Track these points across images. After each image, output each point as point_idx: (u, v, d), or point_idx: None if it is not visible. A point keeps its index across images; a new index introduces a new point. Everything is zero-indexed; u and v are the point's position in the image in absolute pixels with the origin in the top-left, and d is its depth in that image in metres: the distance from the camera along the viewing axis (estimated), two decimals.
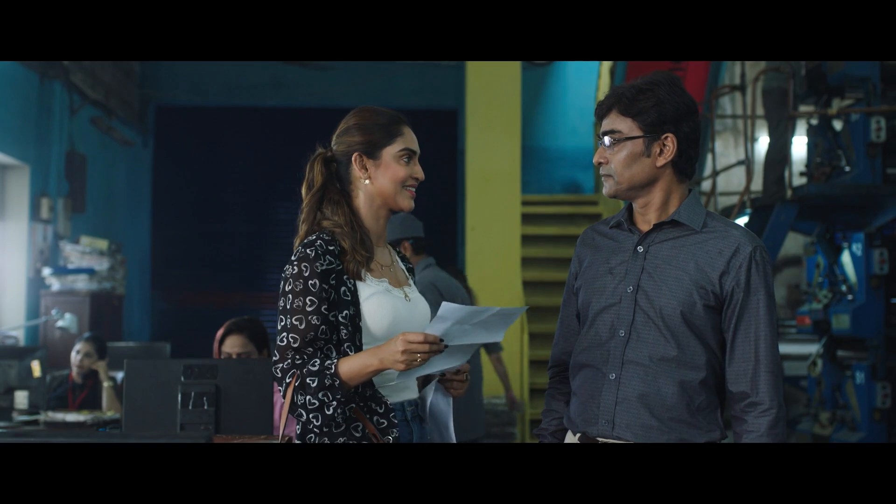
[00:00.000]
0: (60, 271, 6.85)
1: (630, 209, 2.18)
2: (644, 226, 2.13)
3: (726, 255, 2.03)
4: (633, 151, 2.07)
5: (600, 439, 2.07)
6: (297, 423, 2.09)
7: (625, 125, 2.08)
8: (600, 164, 2.13)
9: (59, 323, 5.52)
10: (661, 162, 2.07)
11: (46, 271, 6.81)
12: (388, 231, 4.48)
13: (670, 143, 2.07)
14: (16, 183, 6.78)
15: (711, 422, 2.05)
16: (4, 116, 6.39)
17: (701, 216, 2.10)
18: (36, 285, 6.81)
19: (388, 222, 2.26)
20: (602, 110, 2.12)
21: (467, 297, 4.63)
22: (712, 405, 2.06)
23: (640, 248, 2.10)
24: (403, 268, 2.30)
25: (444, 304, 1.96)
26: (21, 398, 4.69)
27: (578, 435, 2.13)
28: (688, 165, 2.11)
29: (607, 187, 2.13)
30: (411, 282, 2.27)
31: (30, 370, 4.36)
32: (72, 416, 4.17)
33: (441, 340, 1.97)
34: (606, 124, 2.11)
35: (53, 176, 7.10)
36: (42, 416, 4.20)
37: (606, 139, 2.10)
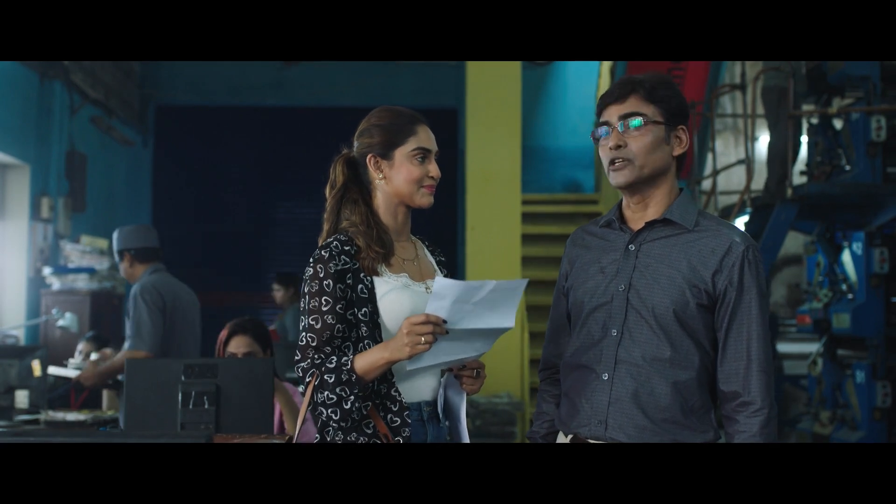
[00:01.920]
0: (61, 270, 6.85)
1: (620, 208, 2.15)
2: (635, 224, 2.11)
3: (719, 253, 2.01)
4: (657, 136, 2.05)
5: (592, 441, 2.05)
6: (317, 421, 2.12)
7: (649, 110, 2.05)
8: (618, 146, 2.05)
9: (60, 322, 5.52)
10: (676, 152, 2.09)
11: (47, 271, 6.81)
12: (115, 240, 4.50)
13: (684, 136, 2.09)
14: (16, 182, 6.78)
15: (705, 423, 2.03)
16: (4, 116, 6.39)
17: (693, 215, 2.07)
18: (36, 285, 6.81)
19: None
20: (614, 96, 2.07)
21: (196, 300, 4.68)
22: (706, 406, 2.04)
23: (632, 247, 2.08)
24: (433, 260, 2.29)
25: (436, 279, 1.95)
26: (21, 397, 4.69)
27: (570, 437, 2.11)
28: (685, 161, 2.14)
29: (625, 174, 2.05)
30: (439, 274, 2.26)
31: (30, 369, 4.36)
32: (72, 416, 4.17)
33: (445, 322, 1.96)
34: (625, 108, 2.05)
35: (53, 175, 7.09)
36: (42, 416, 4.20)
37: (621, 123, 2.04)
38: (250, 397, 2.74)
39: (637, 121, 2.04)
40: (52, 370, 4.43)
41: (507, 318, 2.00)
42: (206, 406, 2.71)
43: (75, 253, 7.09)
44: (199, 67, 9.61)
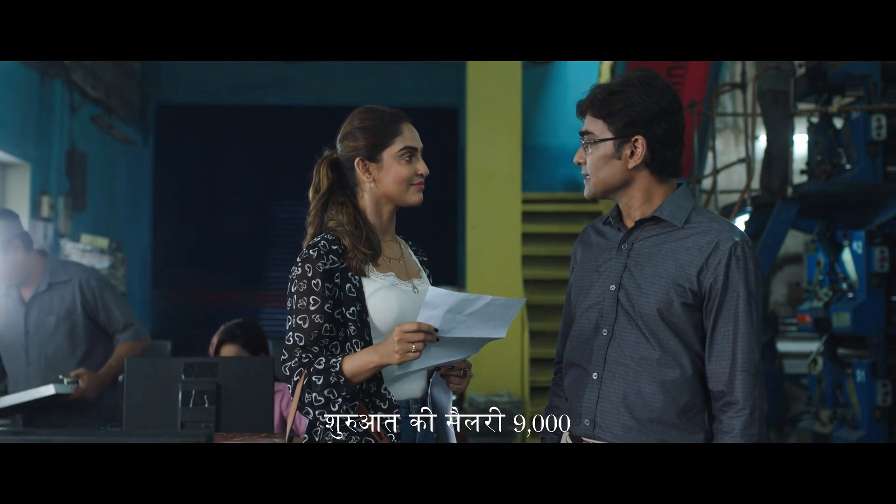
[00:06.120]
0: None
1: (619, 206, 2.17)
2: (630, 223, 2.13)
3: (706, 251, 2.02)
4: (604, 153, 2.08)
5: (585, 439, 2.08)
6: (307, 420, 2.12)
7: (597, 127, 2.09)
8: (579, 164, 2.14)
9: None
10: (632, 164, 2.07)
11: None
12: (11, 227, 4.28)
13: (640, 146, 2.06)
14: (16, 181, 6.78)
15: (696, 423, 2.03)
16: (5, 115, 6.39)
17: (685, 211, 2.08)
18: None
19: None
20: (580, 111, 2.14)
21: None
22: (697, 406, 2.04)
23: (624, 246, 2.11)
24: (416, 260, 2.30)
25: (430, 289, 1.97)
26: None
27: (566, 433, 2.14)
28: (665, 166, 2.09)
29: (587, 188, 2.15)
30: (423, 274, 2.27)
31: None
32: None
33: (436, 330, 1.97)
34: (584, 125, 2.13)
35: (54, 174, 7.10)
36: None
37: (583, 140, 2.12)
38: (250, 396, 2.75)
39: (586, 140, 2.11)
40: (23, 396, 3.42)
41: (499, 330, 2.03)
42: (206, 405, 2.71)
43: (76, 252, 7.10)
44: (200, 66, 9.60)
